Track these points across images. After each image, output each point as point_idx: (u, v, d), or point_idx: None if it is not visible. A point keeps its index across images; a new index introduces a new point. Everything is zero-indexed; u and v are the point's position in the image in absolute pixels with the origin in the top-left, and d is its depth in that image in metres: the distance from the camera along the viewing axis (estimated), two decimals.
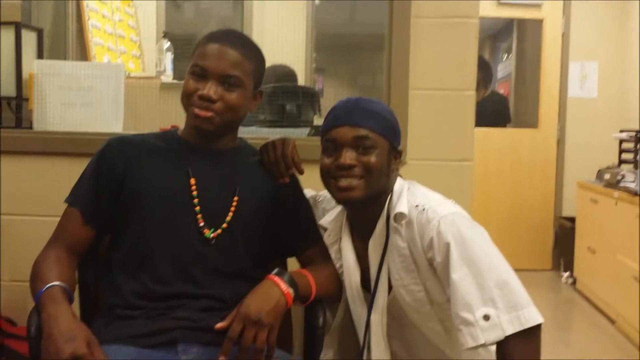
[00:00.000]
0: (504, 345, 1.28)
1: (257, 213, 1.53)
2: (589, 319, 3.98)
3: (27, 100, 2.27)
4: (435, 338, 1.51)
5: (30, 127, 2.18)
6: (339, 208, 1.58)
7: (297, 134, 2.43)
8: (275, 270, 1.41)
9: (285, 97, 2.78)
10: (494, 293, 1.28)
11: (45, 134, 2.12)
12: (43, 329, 1.27)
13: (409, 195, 1.45)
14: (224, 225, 1.47)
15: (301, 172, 1.62)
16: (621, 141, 4.22)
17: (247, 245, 1.51)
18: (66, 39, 3.32)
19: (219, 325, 1.34)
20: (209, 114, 1.42)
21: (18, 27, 2.28)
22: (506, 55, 5.94)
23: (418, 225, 1.39)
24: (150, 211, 1.45)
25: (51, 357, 1.21)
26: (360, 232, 1.54)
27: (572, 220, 4.71)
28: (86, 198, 1.49)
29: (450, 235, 1.33)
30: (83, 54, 3.36)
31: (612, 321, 3.79)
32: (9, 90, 2.27)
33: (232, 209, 1.48)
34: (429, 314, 1.46)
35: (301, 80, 4.47)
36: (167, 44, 3.56)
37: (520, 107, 5.68)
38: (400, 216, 1.42)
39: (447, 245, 1.33)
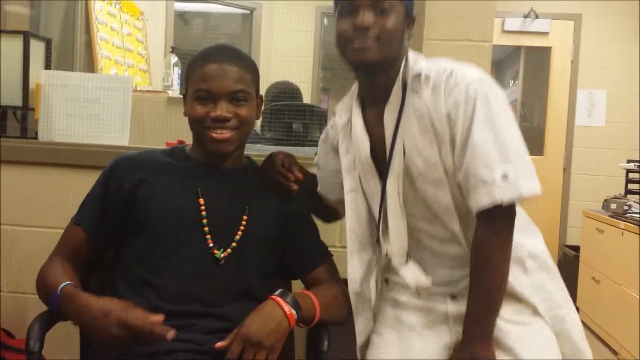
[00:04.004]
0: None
1: (266, 232, 1.51)
2: (592, 349, 3.89)
3: (32, 110, 2.25)
4: (444, 215, 1.43)
5: (35, 137, 2.16)
6: (348, 99, 1.56)
7: (305, 152, 2.41)
8: (279, 291, 1.39)
9: (292, 115, 2.76)
10: (513, 158, 1.30)
11: (50, 145, 2.11)
12: (78, 323, 1.32)
13: (428, 62, 1.43)
14: (233, 244, 1.45)
15: (299, 180, 1.56)
16: (628, 171, 4.19)
17: (256, 265, 1.48)
18: (74, 50, 3.31)
19: (219, 344, 1.31)
20: (227, 135, 1.43)
21: (26, 37, 2.26)
22: (512, 81, 5.93)
23: (446, 87, 1.36)
24: (158, 230, 1.43)
25: (103, 337, 1.25)
26: (375, 101, 1.48)
27: (576, 249, 4.67)
28: (92, 217, 1.49)
29: (480, 96, 1.32)
30: (90, 65, 3.35)
31: (615, 353, 3.74)
32: (15, 99, 2.25)
33: (242, 228, 1.47)
34: (441, 181, 1.40)
35: (307, 99, 4.46)
36: (174, 58, 3.56)
37: (526, 133, 5.64)
38: (418, 77, 1.39)
39: (474, 105, 1.32)
